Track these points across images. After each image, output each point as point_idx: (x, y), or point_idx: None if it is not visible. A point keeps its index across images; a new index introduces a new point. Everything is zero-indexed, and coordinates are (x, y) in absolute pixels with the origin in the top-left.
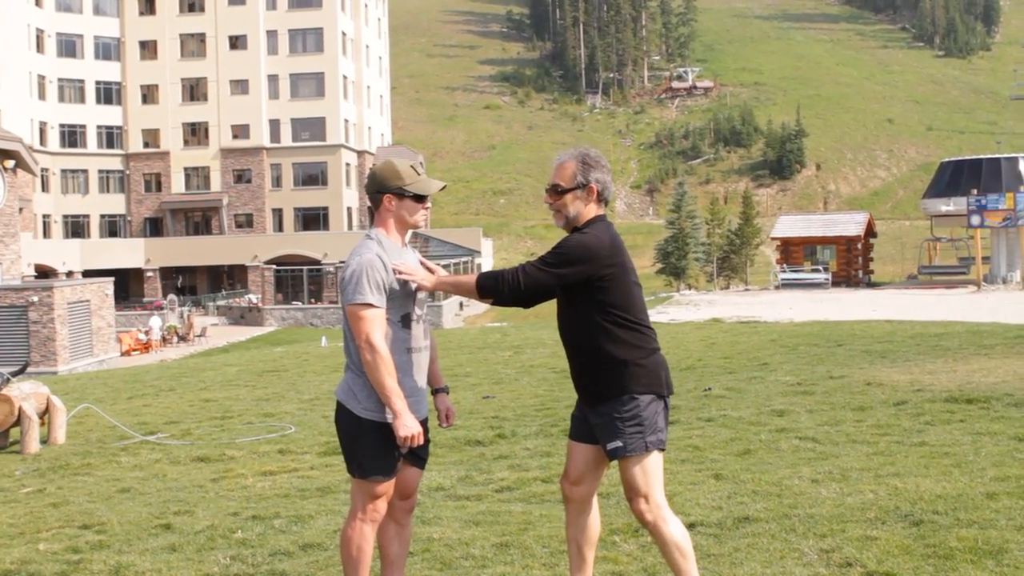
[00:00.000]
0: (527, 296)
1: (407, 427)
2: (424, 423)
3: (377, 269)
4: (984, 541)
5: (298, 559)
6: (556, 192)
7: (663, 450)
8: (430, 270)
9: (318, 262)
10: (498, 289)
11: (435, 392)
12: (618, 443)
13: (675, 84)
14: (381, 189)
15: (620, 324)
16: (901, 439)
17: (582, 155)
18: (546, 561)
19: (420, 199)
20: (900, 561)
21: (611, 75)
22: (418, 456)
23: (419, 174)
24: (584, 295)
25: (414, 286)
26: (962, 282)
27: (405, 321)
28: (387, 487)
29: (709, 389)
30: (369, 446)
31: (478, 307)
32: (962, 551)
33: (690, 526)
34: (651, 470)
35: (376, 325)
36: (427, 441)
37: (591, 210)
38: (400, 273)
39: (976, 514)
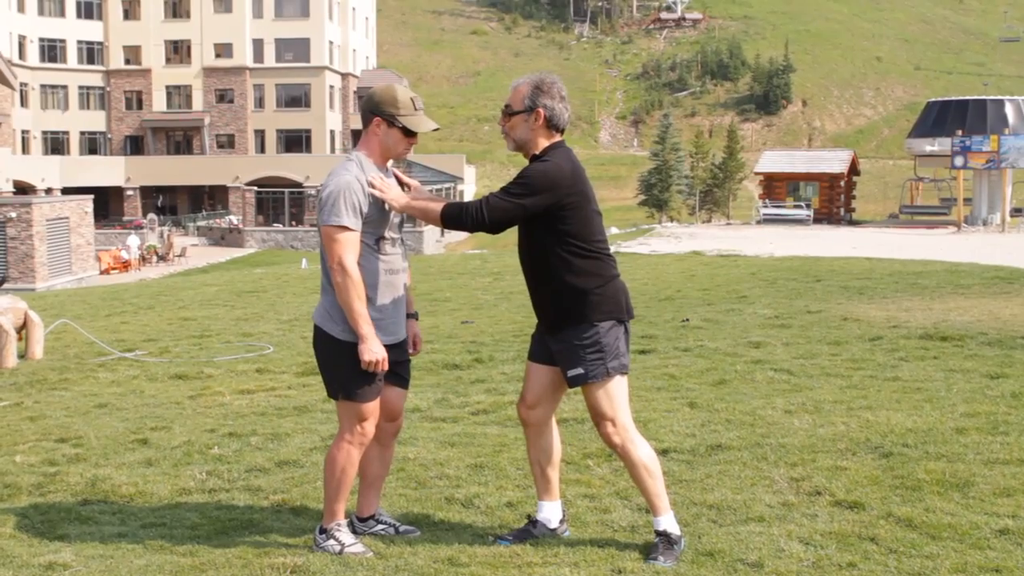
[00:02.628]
0: (491, 228)
1: (372, 352)
2: (404, 344)
3: (355, 191)
4: (952, 474)
5: (274, 475)
6: (507, 114)
7: (625, 374)
8: (408, 187)
9: (300, 184)
10: (462, 221)
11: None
12: (580, 370)
13: (664, 15)
14: (374, 110)
15: (579, 254)
16: (875, 373)
17: (537, 80)
18: (519, 482)
19: (409, 133)
20: (868, 491)
21: (599, 4)
22: (400, 376)
23: (416, 108)
24: (543, 225)
25: (387, 205)
26: (943, 223)
27: (379, 244)
28: (373, 408)
29: (687, 320)
30: (350, 368)
31: (459, 234)
32: (930, 483)
33: (663, 452)
34: (615, 394)
35: (349, 248)
36: (408, 361)
37: (542, 137)
38: (373, 188)
39: (945, 448)
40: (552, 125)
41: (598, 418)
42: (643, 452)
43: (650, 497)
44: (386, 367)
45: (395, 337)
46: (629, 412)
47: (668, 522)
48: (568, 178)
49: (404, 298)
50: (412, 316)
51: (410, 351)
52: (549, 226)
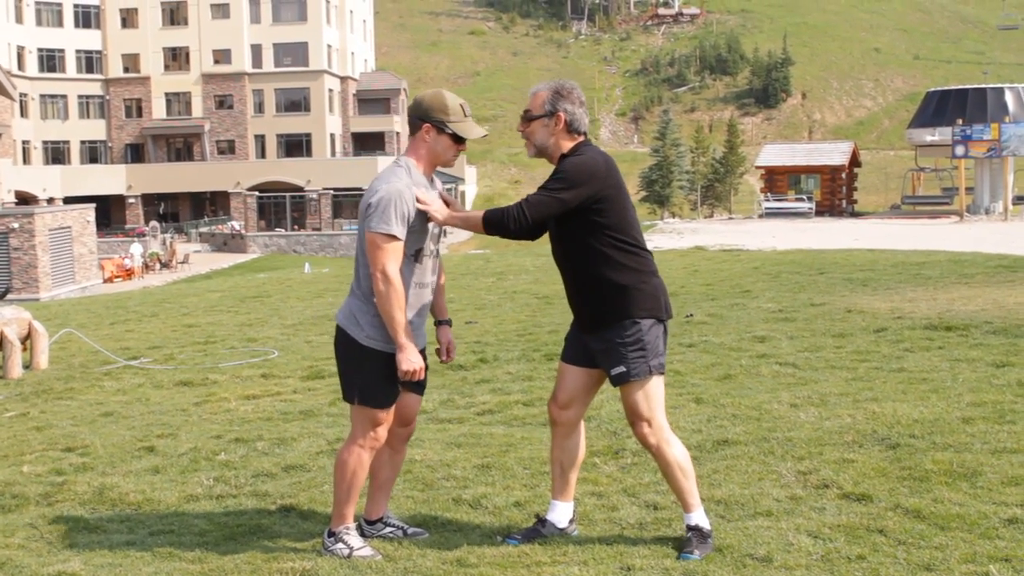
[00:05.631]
0: (534, 227)
1: (411, 362)
2: (423, 352)
3: (405, 200)
4: (959, 464)
5: (281, 480)
6: (526, 119)
7: (663, 374)
8: (446, 202)
9: (301, 189)
10: (504, 224)
11: (438, 324)
12: (622, 368)
13: (661, 11)
14: (423, 117)
15: (619, 248)
16: (880, 365)
17: (556, 85)
18: (527, 482)
19: (458, 140)
20: (876, 483)
21: (597, 1)
22: (418, 383)
23: (466, 115)
24: (581, 220)
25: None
26: (945, 212)
27: (417, 256)
28: (388, 415)
29: (691, 315)
30: (370, 375)
31: (461, 234)
32: (937, 473)
33: None
34: (653, 394)
35: (394, 256)
36: (426, 368)
37: (565, 139)
38: (420, 203)
39: (952, 438)
40: (572, 129)
41: (635, 418)
42: (677, 451)
43: (683, 495)
44: (423, 376)
45: (417, 345)
46: (664, 412)
47: (699, 517)
48: (603, 170)
49: (427, 310)
50: (445, 323)
51: (444, 358)
52: (587, 221)
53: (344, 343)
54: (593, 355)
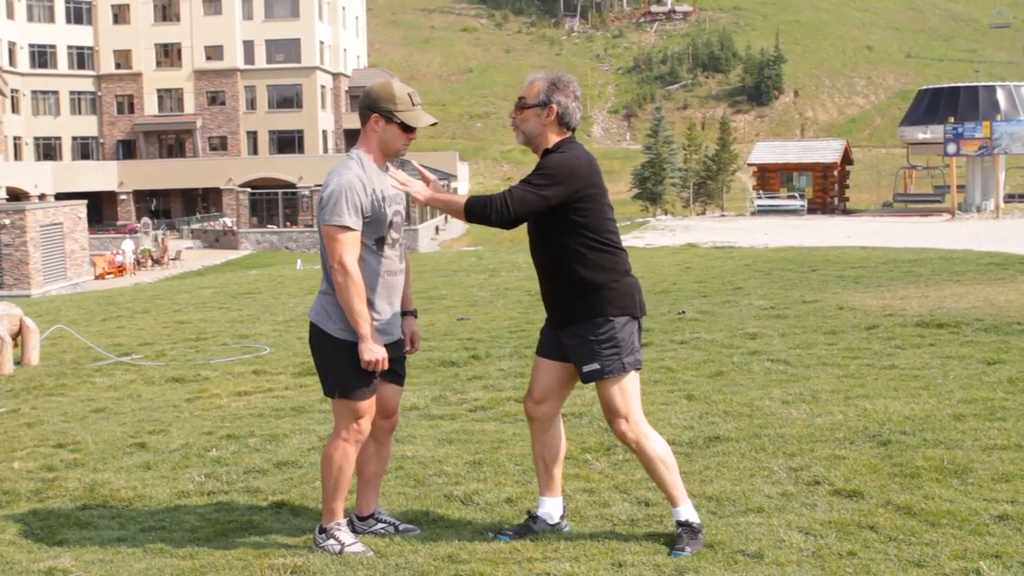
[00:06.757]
0: (515, 221)
1: (371, 351)
2: (399, 343)
3: (357, 191)
4: (950, 461)
5: (272, 476)
6: (519, 107)
7: (639, 369)
8: (427, 180)
9: (293, 185)
10: (486, 215)
11: (402, 315)
12: (595, 365)
13: (654, 8)
14: (371, 107)
15: (592, 247)
16: (871, 362)
17: (553, 77)
18: (518, 478)
19: (407, 129)
20: (867, 479)
21: None
22: (396, 374)
23: (414, 104)
24: (560, 218)
25: (391, 209)
26: (937, 210)
27: (379, 244)
28: (369, 406)
29: (683, 312)
30: (347, 366)
31: (454, 231)
32: (928, 470)
33: None
34: (629, 390)
35: (350, 247)
36: (403, 358)
37: (553, 133)
38: (400, 183)
39: (943, 435)
40: (563, 122)
41: (612, 415)
42: (658, 446)
43: (668, 489)
44: (386, 366)
45: (391, 336)
46: (640, 407)
47: (688, 511)
48: (586, 169)
49: (399, 299)
50: (410, 313)
51: (407, 348)
52: (565, 219)
53: (318, 338)
54: (565, 350)
